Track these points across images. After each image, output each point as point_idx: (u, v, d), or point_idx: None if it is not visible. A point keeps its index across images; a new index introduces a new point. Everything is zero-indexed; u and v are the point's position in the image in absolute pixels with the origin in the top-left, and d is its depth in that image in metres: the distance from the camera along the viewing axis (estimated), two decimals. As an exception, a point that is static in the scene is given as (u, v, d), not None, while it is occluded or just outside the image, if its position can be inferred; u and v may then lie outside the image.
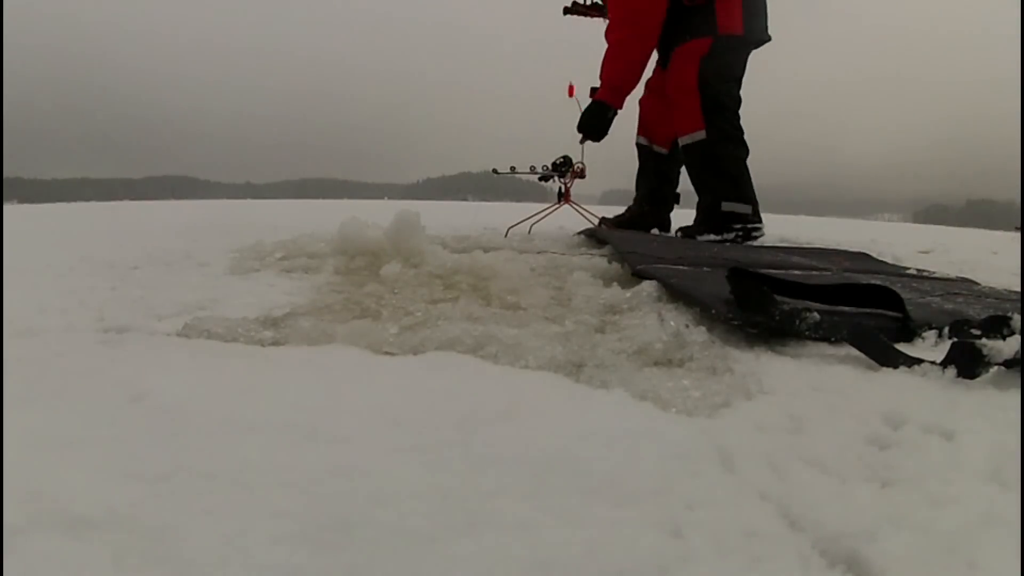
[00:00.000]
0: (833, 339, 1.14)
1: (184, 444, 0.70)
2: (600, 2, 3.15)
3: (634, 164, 3.32)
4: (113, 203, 6.90)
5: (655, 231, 3.09)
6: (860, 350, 1.08)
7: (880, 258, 2.53)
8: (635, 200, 3.27)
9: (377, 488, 0.62)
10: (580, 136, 2.91)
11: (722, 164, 2.77)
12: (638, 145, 3.25)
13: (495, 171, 3.21)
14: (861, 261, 2.35)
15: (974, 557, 0.54)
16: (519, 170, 3.24)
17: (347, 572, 0.50)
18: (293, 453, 0.69)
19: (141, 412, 0.78)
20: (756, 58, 2.91)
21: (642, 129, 3.23)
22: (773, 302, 1.20)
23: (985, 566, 0.53)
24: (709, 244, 2.54)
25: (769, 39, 2.87)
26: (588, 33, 3.31)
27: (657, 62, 3.10)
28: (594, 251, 2.27)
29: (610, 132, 2.98)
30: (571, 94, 2.88)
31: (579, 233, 2.82)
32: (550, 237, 2.82)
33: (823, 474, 0.68)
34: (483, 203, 9.54)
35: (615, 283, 1.59)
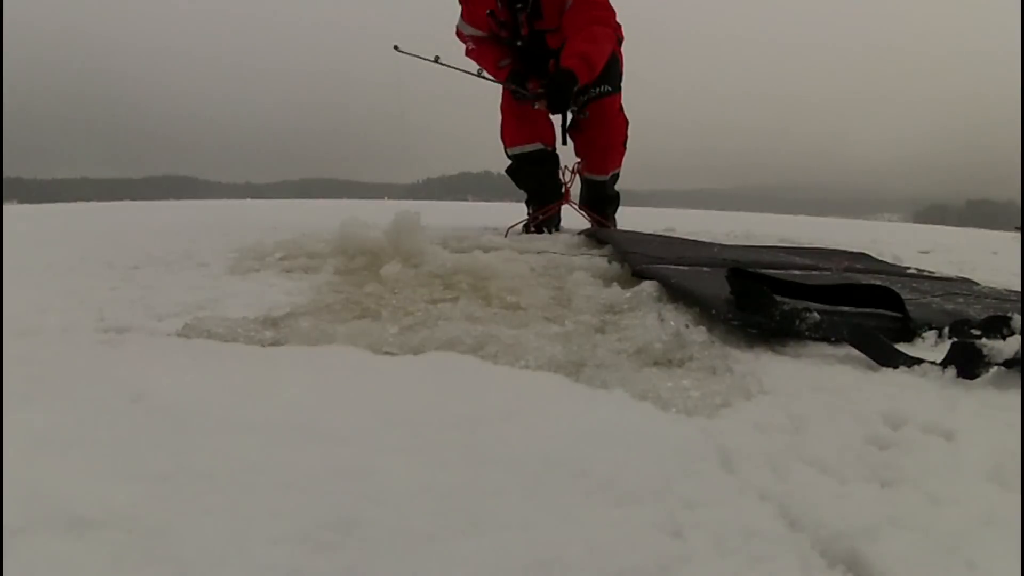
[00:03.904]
0: (833, 339, 1.14)
1: (184, 444, 0.70)
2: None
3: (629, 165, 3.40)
4: (113, 203, 6.91)
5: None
6: (860, 350, 1.07)
7: (880, 258, 2.54)
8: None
9: (377, 488, 0.62)
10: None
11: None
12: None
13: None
14: (861, 261, 2.35)
15: (974, 557, 0.54)
16: None
17: (347, 572, 0.50)
18: (293, 453, 0.69)
19: (141, 412, 0.78)
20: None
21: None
22: (773, 302, 1.20)
23: (985, 566, 0.53)
24: (709, 244, 2.55)
25: None
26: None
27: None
28: (594, 251, 2.27)
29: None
30: None
31: (579, 233, 2.82)
32: (550, 237, 2.82)
33: (823, 474, 0.68)
34: (483, 203, 9.53)
35: (615, 283, 1.59)
